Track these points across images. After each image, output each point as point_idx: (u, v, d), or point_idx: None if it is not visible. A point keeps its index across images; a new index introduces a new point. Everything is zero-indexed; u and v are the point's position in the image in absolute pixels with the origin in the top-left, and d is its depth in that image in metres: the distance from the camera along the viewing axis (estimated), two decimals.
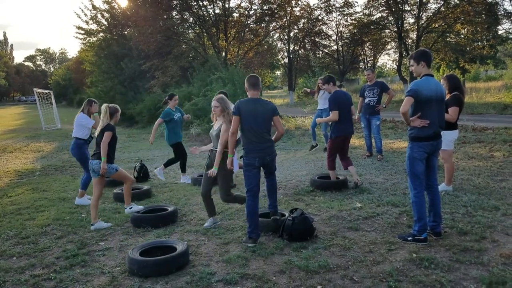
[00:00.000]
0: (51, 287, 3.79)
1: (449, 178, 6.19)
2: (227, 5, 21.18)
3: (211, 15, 21.19)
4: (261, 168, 4.77)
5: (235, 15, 22.05)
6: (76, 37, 36.61)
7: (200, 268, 4.02)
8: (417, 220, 4.43)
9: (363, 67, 38.59)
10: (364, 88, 9.10)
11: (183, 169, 8.02)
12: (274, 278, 3.78)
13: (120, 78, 23.68)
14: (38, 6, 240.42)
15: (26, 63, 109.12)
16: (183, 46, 21.42)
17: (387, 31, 25.76)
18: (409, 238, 4.44)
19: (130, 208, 5.64)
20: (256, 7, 22.19)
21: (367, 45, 30.65)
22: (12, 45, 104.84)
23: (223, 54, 20.79)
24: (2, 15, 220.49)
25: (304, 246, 4.44)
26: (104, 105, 5.50)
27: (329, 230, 4.90)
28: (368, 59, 36.29)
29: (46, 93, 25.17)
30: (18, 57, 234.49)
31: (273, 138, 4.84)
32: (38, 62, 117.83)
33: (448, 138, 6.05)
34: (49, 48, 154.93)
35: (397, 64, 25.48)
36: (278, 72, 50.16)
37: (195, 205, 6.29)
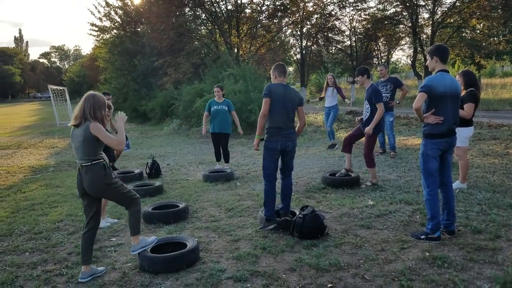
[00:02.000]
0: (62, 282, 3.81)
1: (464, 176, 6.09)
2: (239, 1, 21.13)
3: (223, 11, 21.15)
4: (280, 158, 4.85)
5: (247, 11, 21.98)
6: (90, 34, 36.87)
7: (210, 264, 4.01)
8: (431, 219, 4.36)
9: (377, 62, 38.24)
10: (377, 84, 8.97)
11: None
12: (284, 275, 3.75)
13: (133, 75, 23.83)
14: (53, 3, 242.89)
15: (41, 60, 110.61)
16: (196, 42, 21.44)
17: (401, 26, 25.45)
18: (422, 237, 4.37)
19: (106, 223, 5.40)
20: (268, 3, 22.10)
21: (381, 40, 30.31)
22: (27, 42, 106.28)
23: (235, 50, 20.75)
24: (17, 12, 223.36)
25: (315, 244, 4.40)
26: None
27: (341, 228, 4.85)
28: (382, 55, 35.90)
29: (61, 90, 25.44)
30: (33, 54, 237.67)
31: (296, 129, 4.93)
32: (53, 59, 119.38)
33: (463, 134, 5.96)
34: (64, 45, 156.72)
35: (411, 59, 25.17)
36: (291, 69, 49.92)
37: (206, 201, 6.29)
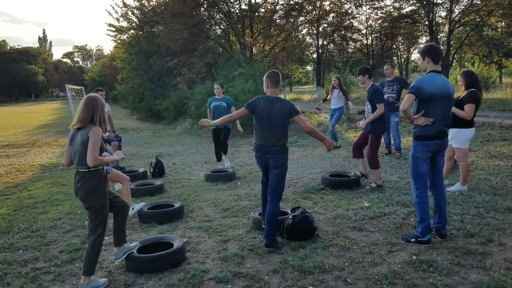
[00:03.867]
0: (49, 280, 3.89)
1: (464, 178, 5.97)
2: (253, 1, 21.13)
3: (237, 11, 21.20)
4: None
5: (262, 10, 21.95)
6: (108, 34, 37.39)
7: (195, 265, 4.03)
8: (420, 221, 4.30)
9: (396, 62, 37.76)
10: (383, 83, 8.86)
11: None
12: (266, 277, 3.74)
13: (149, 75, 24.10)
14: (76, 3, 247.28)
15: (64, 60, 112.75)
16: (211, 42, 21.53)
17: (418, 24, 25.05)
18: (412, 240, 4.31)
19: (132, 209, 5.60)
20: (283, 2, 22.01)
21: (399, 39, 29.89)
22: (51, 42, 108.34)
23: (249, 50, 20.76)
24: (41, 12, 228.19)
25: (303, 245, 4.38)
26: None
27: (332, 230, 4.82)
28: (401, 53, 35.44)
29: (78, 89, 25.88)
30: (57, 53, 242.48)
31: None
32: (75, 59, 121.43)
33: (464, 136, 5.86)
34: (86, 45, 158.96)
35: None
36: (309, 68, 49.61)
37: (203, 201, 6.33)
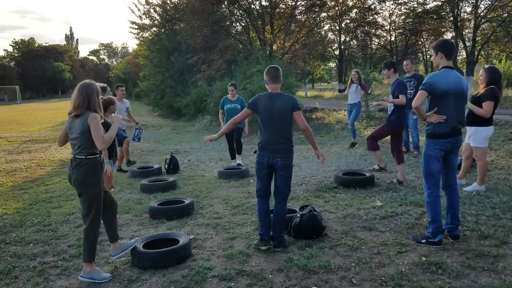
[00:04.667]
0: (55, 274, 3.93)
1: (482, 178, 5.78)
2: None
3: (257, 8, 21.11)
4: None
5: (282, 6, 21.80)
6: (130, 32, 37.83)
7: (200, 262, 4.01)
8: (431, 222, 4.18)
9: (422, 58, 37.03)
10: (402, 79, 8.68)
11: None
12: (270, 276, 3.69)
13: (171, 72, 24.25)
14: (103, 1, 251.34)
15: (91, 57, 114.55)
16: (231, 39, 21.51)
17: (443, 20, 24.46)
18: (422, 241, 4.19)
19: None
20: None
21: (424, 35, 29.28)
22: (77, 39, 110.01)
23: (268, 46, 20.67)
24: (68, 11, 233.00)
25: (310, 244, 4.31)
26: None
27: (341, 229, 4.73)
28: (426, 50, 34.72)
29: (102, 86, 26.20)
30: (83, 51, 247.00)
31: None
32: (101, 56, 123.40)
33: (482, 134, 5.67)
34: (112, 42, 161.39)
35: None
36: (333, 64, 48.97)
37: (215, 198, 6.31)
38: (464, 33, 22.75)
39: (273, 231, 4.33)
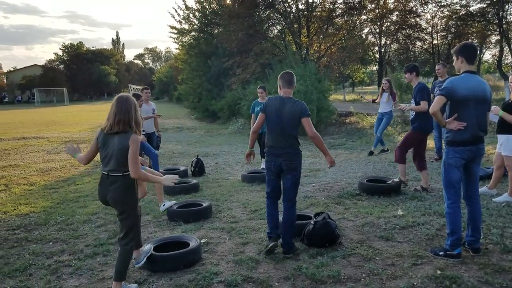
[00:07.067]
0: (68, 273, 4.02)
1: None
2: (311, 0, 20.83)
3: (293, 11, 21.02)
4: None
5: (319, 9, 21.58)
6: (170, 37, 38.52)
7: (208, 266, 4.00)
8: (450, 234, 3.98)
9: None
10: (434, 85, 8.40)
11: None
12: (276, 284, 3.63)
13: (207, 76, 24.53)
14: (149, 7, 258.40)
15: (136, 61, 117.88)
16: (267, 42, 21.52)
17: (488, 23, 23.46)
18: (440, 253, 4.00)
19: (163, 205, 5.73)
20: (341, 0, 21.49)
21: (469, 38, 28.19)
22: (123, 44, 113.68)
23: (304, 50, 20.52)
24: (116, 16, 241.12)
25: (322, 253, 4.20)
26: None
27: (357, 238, 4.59)
28: None
29: (134, 94, 26.85)
30: (129, 55, 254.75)
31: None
32: (146, 60, 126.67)
33: None
34: (156, 47, 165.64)
35: (496, 59, 23.16)
36: (374, 68, 48.06)
37: (234, 202, 6.30)
38: (510, 36, 21.70)
39: (282, 237, 4.28)
